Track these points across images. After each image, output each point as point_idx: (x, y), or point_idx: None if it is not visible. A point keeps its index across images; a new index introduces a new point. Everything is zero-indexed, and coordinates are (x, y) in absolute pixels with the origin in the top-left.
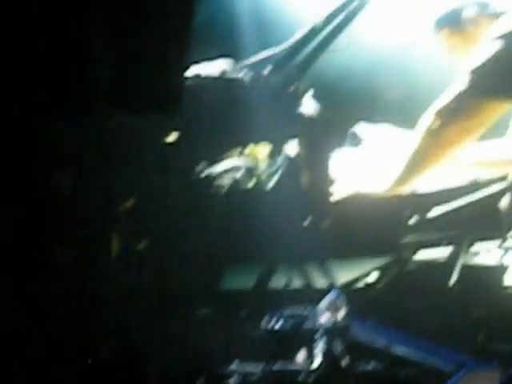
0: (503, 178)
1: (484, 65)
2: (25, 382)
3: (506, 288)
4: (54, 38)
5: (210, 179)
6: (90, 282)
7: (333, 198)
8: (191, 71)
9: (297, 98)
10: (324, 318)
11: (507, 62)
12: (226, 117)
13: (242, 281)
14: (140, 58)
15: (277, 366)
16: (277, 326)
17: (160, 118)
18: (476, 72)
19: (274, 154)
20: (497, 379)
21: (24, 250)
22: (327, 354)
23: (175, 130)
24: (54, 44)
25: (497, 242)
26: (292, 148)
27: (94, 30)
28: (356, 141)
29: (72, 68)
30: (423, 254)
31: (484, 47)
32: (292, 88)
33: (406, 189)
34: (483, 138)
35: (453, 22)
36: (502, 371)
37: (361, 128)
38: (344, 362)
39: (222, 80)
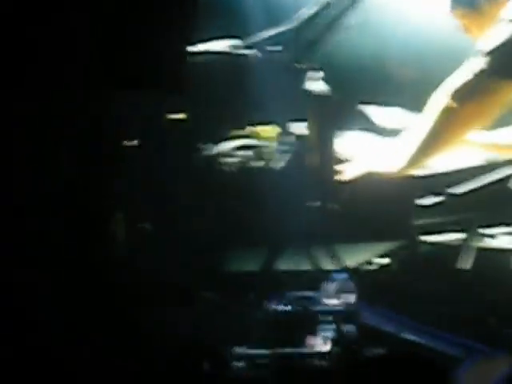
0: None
1: (500, 46)
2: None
3: None
4: (53, 16)
5: (217, 159)
6: (92, 267)
7: (343, 180)
8: (198, 48)
9: (306, 77)
10: (333, 302)
11: None
12: (234, 95)
13: (250, 263)
14: (146, 35)
15: (285, 350)
16: (285, 310)
17: (166, 95)
18: (492, 53)
19: (282, 134)
20: (507, 366)
21: (27, 235)
22: (337, 338)
23: (182, 107)
24: (54, 22)
25: (509, 226)
26: (301, 128)
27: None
28: (367, 121)
29: (75, 46)
30: (434, 237)
31: (500, 28)
32: (301, 67)
33: (417, 170)
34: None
35: (468, 2)
36: None
37: (372, 109)
38: (354, 347)
39: (230, 57)
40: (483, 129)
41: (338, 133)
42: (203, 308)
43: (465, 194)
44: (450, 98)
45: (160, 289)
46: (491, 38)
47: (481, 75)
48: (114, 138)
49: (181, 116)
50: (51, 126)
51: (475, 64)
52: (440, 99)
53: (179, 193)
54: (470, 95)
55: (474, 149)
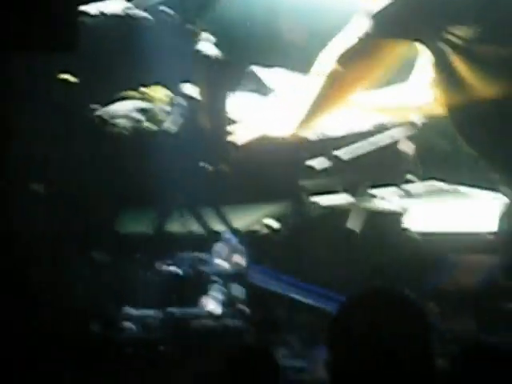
0: (401, 125)
1: (382, 8)
2: None
3: (404, 232)
4: None
5: (109, 121)
6: None
7: (232, 142)
8: (90, 9)
9: (195, 39)
10: (221, 263)
11: (403, 5)
12: (126, 57)
13: (141, 224)
14: None
15: (174, 311)
16: (173, 271)
17: (56, 55)
18: (376, 14)
19: (173, 96)
20: None
21: None
22: (225, 298)
23: (73, 68)
24: None
25: (395, 188)
26: (190, 89)
27: None
28: (256, 84)
29: None
30: (323, 199)
31: None
32: (192, 29)
33: (305, 132)
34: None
35: None
36: None
37: (260, 71)
38: (242, 306)
39: (122, 19)
40: (369, 90)
41: (229, 95)
42: (93, 268)
43: (354, 157)
44: (335, 60)
45: (49, 249)
46: (374, 1)
47: (365, 37)
48: (5, 99)
49: (72, 77)
50: None
51: (358, 26)
52: (326, 62)
53: (71, 154)
54: (355, 57)
55: (360, 111)
